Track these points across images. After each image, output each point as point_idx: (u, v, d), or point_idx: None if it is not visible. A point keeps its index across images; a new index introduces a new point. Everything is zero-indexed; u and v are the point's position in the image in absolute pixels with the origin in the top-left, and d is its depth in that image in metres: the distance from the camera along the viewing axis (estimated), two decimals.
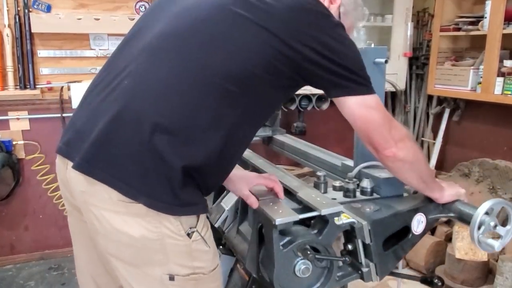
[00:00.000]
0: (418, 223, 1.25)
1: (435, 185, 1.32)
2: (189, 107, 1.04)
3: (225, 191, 1.64)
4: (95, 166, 1.02)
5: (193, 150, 1.04)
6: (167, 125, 1.03)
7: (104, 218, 1.04)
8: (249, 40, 1.05)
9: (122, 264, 1.11)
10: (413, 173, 1.24)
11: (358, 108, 1.10)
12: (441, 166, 3.29)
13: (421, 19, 3.33)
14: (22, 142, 2.64)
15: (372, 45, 1.46)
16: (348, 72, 1.08)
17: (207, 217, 1.18)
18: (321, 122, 3.30)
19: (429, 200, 1.31)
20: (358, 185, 1.39)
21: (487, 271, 2.46)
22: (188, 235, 1.07)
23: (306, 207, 1.23)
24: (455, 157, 3.14)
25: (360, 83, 1.10)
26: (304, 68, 1.07)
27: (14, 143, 2.61)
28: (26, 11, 2.48)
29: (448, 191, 1.33)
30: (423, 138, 3.38)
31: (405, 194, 1.44)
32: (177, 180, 1.02)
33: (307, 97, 2.93)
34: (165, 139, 1.02)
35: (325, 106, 3.01)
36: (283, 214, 1.12)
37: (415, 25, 3.25)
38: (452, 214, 1.27)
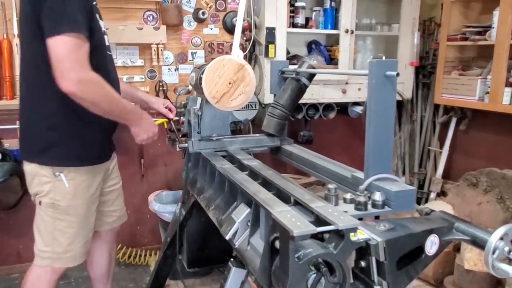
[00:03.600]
0: (432, 244, 1.25)
1: (134, 121, 1.74)
2: (22, 76, 1.68)
3: (235, 202, 1.64)
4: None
5: (32, 111, 1.64)
6: (24, 98, 1.68)
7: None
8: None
9: (32, 197, 1.78)
10: (98, 110, 1.56)
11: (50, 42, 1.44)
12: (448, 175, 3.28)
13: (427, 28, 3.34)
14: None
15: (383, 58, 1.45)
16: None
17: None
18: (327, 131, 3.31)
19: (443, 222, 1.31)
20: (369, 197, 1.38)
21: (496, 282, 2.45)
22: (54, 175, 1.67)
23: (320, 220, 1.23)
24: (462, 166, 3.13)
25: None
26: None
27: None
28: None
29: (144, 132, 1.80)
30: (429, 147, 3.37)
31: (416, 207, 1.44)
32: (39, 142, 1.65)
33: (314, 106, 2.93)
34: (26, 111, 1.67)
35: (332, 115, 3.01)
36: (301, 226, 1.12)
37: (421, 34, 3.25)
38: (465, 238, 1.27)
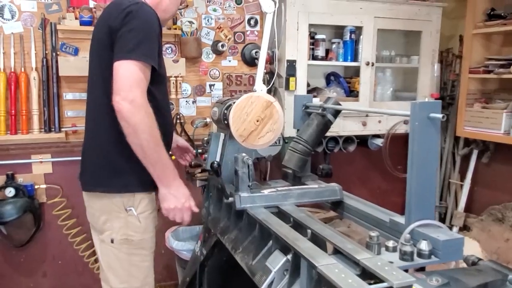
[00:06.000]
0: None
1: (166, 180, 1.59)
2: (90, 107, 1.70)
3: (267, 247, 1.56)
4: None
5: (100, 140, 1.64)
6: (88, 129, 1.72)
7: (85, 199, 1.74)
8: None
9: (94, 232, 1.77)
10: (136, 141, 1.49)
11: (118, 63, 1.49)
12: (470, 209, 3.19)
13: (445, 59, 3.31)
14: (44, 186, 2.57)
15: (426, 99, 1.40)
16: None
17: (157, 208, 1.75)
18: (346, 163, 3.24)
19: (495, 274, 1.24)
20: (414, 245, 1.31)
21: None
22: (126, 210, 1.64)
23: (366, 272, 1.16)
24: (485, 200, 3.04)
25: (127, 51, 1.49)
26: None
27: (36, 187, 2.54)
28: (54, 54, 2.46)
29: (174, 200, 1.62)
30: (450, 180, 3.30)
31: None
32: (107, 170, 1.63)
33: (334, 139, 2.87)
34: (88, 143, 1.71)
35: (352, 147, 2.95)
36: (353, 284, 1.05)
37: None
38: None
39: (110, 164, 1.63)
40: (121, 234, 1.66)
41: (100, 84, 1.61)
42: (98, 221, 1.69)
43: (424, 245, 1.31)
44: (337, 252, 1.34)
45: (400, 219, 1.49)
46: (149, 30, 1.54)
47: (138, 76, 1.48)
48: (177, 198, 1.62)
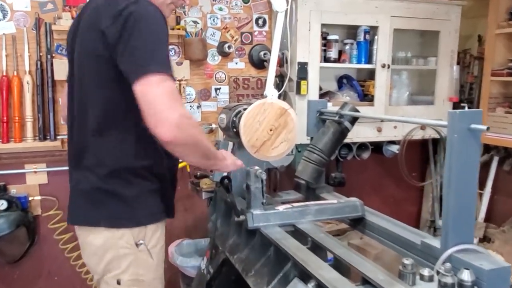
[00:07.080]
0: None
1: (218, 159, 1.47)
2: (84, 132, 1.39)
3: (283, 271, 1.41)
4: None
5: (105, 172, 1.36)
6: (89, 149, 1.39)
7: (81, 237, 1.45)
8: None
9: (95, 276, 1.48)
10: (196, 154, 1.34)
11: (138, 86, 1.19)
12: (490, 219, 3.03)
13: (462, 61, 3.14)
14: (39, 197, 2.43)
15: (466, 108, 1.23)
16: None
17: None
18: (360, 171, 3.08)
19: None
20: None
21: None
22: (137, 245, 1.39)
23: None
24: (507, 209, 2.88)
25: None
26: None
27: (30, 198, 2.40)
28: (49, 56, 2.31)
29: (229, 161, 1.54)
30: None
31: None
32: (115, 200, 1.36)
33: (347, 146, 2.71)
34: (93, 172, 1.38)
35: (366, 155, 2.79)
36: None
37: None
38: None
39: (115, 194, 1.36)
40: (130, 274, 1.40)
41: (99, 105, 1.34)
42: (100, 262, 1.40)
43: (466, 275, 1.14)
44: (365, 282, 1.18)
45: (434, 242, 1.32)
46: (160, 33, 1.27)
47: (168, 90, 1.20)
48: (227, 165, 1.55)
